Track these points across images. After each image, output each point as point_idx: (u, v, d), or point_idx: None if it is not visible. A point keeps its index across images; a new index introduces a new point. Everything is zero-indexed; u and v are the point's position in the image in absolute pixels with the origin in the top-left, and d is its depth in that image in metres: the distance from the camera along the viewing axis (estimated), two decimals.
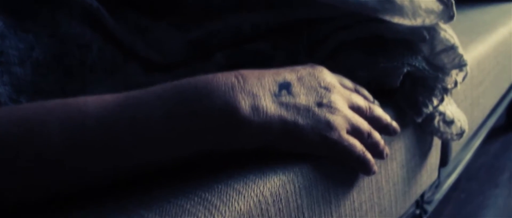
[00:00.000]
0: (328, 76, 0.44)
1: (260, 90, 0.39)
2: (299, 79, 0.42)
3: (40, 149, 0.33)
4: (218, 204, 0.35)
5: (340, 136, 0.41)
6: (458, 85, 0.57)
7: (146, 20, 0.57)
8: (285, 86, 0.41)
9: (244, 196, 0.36)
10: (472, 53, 0.84)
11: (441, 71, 0.56)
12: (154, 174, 0.38)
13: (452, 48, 0.56)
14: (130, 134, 0.35)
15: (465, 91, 0.80)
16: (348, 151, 0.42)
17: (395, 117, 0.52)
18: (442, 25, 0.56)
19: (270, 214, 0.37)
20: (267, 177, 0.38)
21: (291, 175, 0.40)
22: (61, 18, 0.50)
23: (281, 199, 0.38)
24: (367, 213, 0.50)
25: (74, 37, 0.50)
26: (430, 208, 0.84)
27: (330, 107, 0.42)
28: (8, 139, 0.33)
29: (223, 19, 0.57)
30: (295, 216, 0.40)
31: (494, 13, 1.24)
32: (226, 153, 0.40)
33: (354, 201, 0.47)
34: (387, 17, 0.53)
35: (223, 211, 0.34)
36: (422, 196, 0.77)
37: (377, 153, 0.46)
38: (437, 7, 0.54)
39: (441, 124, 0.61)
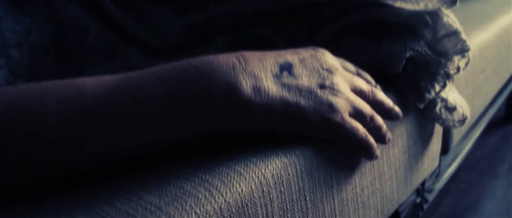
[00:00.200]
0: (330, 59, 0.43)
1: (261, 72, 0.38)
2: (301, 61, 0.41)
3: (36, 130, 0.32)
4: (218, 185, 0.34)
5: (342, 118, 0.41)
6: (461, 71, 0.57)
7: (146, 5, 0.56)
8: (287, 68, 0.40)
9: (245, 178, 0.35)
10: (474, 41, 0.83)
11: (444, 56, 0.55)
12: (154, 156, 0.38)
13: (454, 33, 0.55)
14: (130, 115, 0.34)
15: (467, 79, 0.80)
16: (351, 133, 0.41)
17: (396, 103, 0.51)
18: (445, 10, 0.55)
19: (271, 197, 0.37)
20: (269, 159, 0.38)
21: (293, 157, 0.39)
22: (59, 1, 0.49)
23: (282, 181, 0.38)
24: (369, 198, 0.50)
25: (73, 20, 0.50)
26: (430, 197, 0.84)
27: (333, 89, 0.41)
28: (2, 119, 0.32)
29: (223, 3, 0.56)
30: (297, 199, 0.39)
31: (496, 2, 1.23)
32: (227, 135, 0.40)
33: (356, 186, 0.47)
34: (390, 1, 0.52)
35: (224, 193, 0.34)
36: (422, 184, 0.77)
37: (380, 137, 0.46)
38: None
39: (443, 110, 0.60)
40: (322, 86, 0.41)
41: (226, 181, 0.35)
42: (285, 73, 0.40)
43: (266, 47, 0.43)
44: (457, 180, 1.44)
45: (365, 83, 0.46)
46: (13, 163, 0.32)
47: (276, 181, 0.37)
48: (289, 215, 0.38)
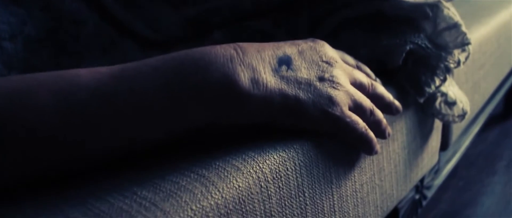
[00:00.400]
0: (329, 51, 0.43)
1: (260, 63, 0.37)
2: (300, 53, 0.41)
3: (32, 125, 0.31)
4: (215, 180, 0.33)
5: (342, 111, 0.40)
6: (461, 65, 0.56)
7: None
8: (286, 60, 0.39)
9: (243, 173, 0.35)
10: (474, 35, 0.83)
11: (444, 50, 0.55)
12: (150, 151, 0.37)
13: (455, 26, 0.55)
14: (126, 107, 0.33)
15: (466, 73, 0.79)
16: (351, 127, 0.41)
17: (396, 97, 0.50)
18: (445, 3, 0.54)
19: (269, 192, 0.36)
20: (267, 153, 0.37)
21: (291, 152, 0.38)
22: None
23: (281, 176, 0.37)
24: (368, 194, 0.49)
25: (69, 12, 0.49)
26: (429, 193, 0.84)
27: (332, 82, 0.40)
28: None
29: None
30: (295, 194, 0.38)
31: None
32: (224, 130, 0.39)
33: (355, 182, 0.46)
34: None
35: (221, 188, 0.33)
36: (421, 181, 0.76)
37: (379, 132, 0.45)
38: None
39: (442, 105, 0.59)
40: (321, 79, 0.40)
41: (223, 176, 0.34)
42: (283, 65, 0.39)
43: (266, 40, 0.42)
44: (456, 176, 1.44)
45: (365, 76, 0.45)
46: (8, 158, 0.31)
47: (275, 176, 0.36)
48: (287, 212, 0.38)
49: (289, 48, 0.40)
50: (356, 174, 0.46)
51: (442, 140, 0.76)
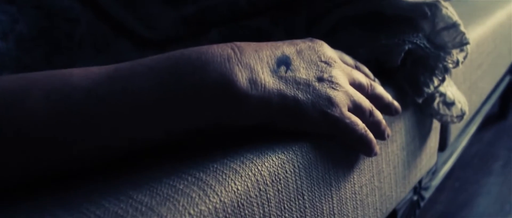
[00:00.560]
0: (328, 50, 0.42)
1: (258, 63, 0.36)
2: (299, 52, 0.40)
3: (23, 125, 0.30)
4: (213, 184, 0.32)
5: (341, 112, 0.39)
6: (460, 65, 0.55)
7: None
8: (284, 60, 0.38)
9: (241, 176, 0.34)
10: (471, 35, 0.82)
11: (443, 49, 0.54)
12: (146, 153, 0.36)
13: (453, 26, 0.54)
14: (121, 107, 0.32)
15: (464, 73, 0.79)
16: (350, 129, 0.40)
17: (394, 98, 0.50)
18: (444, 2, 0.54)
19: (268, 195, 0.35)
20: (266, 156, 0.36)
21: (290, 154, 0.38)
22: None
23: (280, 179, 0.36)
24: (368, 196, 0.48)
25: (62, 10, 0.48)
26: (427, 194, 0.83)
27: (331, 82, 0.39)
28: None
29: None
30: (295, 197, 0.38)
31: None
32: (222, 132, 0.38)
33: (354, 184, 0.45)
34: None
35: (219, 191, 0.32)
36: (419, 182, 0.76)
37: (379, 133, 0.44)
38: None
39: (441, 105, 0.59)
40: (320, 79, 0.39)
41: (221, 179, 0.33)
42: (282, 66, 0.38)
43: (263, 38, 0.42)
44: (452, 177, 1.44)
45: (364, 77, 0.45)
46: (3, 161, 0.30)
47: (273, 179, 0.36)
48: (287, 215, 0.37)
49: (287, 48, 0.39)
50: (355, 176, 0.46)
51: (440, 141, 0.75)
